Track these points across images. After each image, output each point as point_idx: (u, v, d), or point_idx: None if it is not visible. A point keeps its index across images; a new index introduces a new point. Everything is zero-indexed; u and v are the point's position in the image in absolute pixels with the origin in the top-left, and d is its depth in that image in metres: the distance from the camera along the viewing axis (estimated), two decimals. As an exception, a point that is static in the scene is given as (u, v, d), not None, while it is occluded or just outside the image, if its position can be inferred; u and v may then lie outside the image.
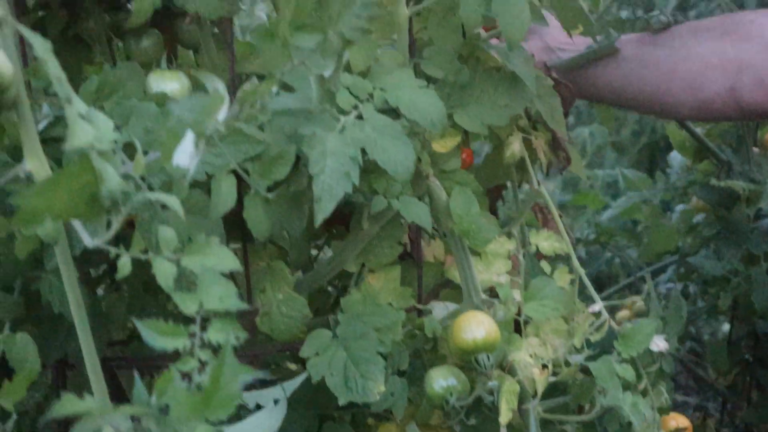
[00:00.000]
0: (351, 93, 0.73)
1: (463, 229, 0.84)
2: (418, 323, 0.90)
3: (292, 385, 0.80)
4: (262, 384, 0.86)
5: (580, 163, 1.12)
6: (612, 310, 1.04)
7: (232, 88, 0.75)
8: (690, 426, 1.14)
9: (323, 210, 0.64)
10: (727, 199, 1.37)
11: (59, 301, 0.73)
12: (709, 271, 1.27)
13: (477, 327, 0.81)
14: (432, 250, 1.00)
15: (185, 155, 0.57)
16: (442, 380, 0.84)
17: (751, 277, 1.23)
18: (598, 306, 0.86)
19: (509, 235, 1.00)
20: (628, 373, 0.85)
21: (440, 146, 0.86)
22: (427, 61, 0.85)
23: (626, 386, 0.86)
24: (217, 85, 0.61)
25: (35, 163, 0.56)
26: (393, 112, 0.73)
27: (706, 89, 0.93)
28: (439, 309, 0.95)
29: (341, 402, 0.78)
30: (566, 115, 1.15)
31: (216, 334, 0.55)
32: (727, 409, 1.66)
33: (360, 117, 0.71)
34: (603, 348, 0.88)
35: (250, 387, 0.84)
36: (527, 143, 1.02)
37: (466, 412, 0.84)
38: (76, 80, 0.65)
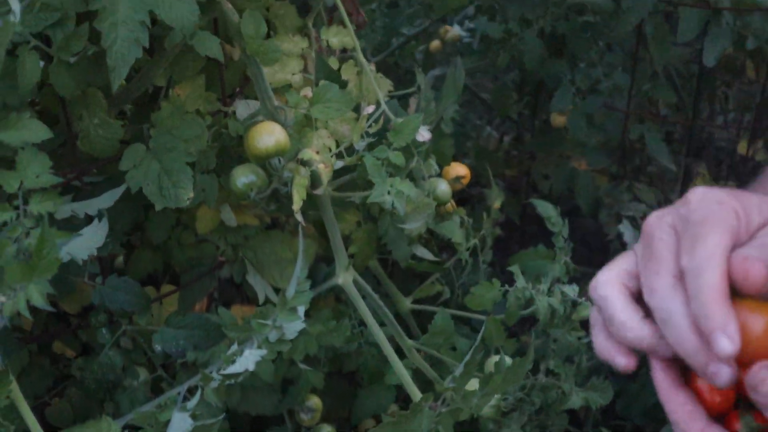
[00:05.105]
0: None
1: (253, 50, 0.96)
2: (224, 123, 1.05)
3: (114, 195, 0.95)
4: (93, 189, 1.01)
5: None
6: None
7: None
8: (468, 172, 1.37)
9: (118, 76, 0.76)
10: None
11: None
12: (490, 33, 1.42)
13: (268, 137, 0.96)
14: (235, 51, 1.11)
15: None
16: (243, 178, 1.00)
17: (524, 39, 1.39)
18: (371, 108, 1.02)
19: (304, 33, 1.13)
20: (398, 159, 1.03)
21: (229, -28, 0.95)
22: None
23: (397, 169, 1.05)
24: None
25: None
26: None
27: None
28: (243, 107, 1.09)
29: (157, 208, 0.94)
30: None
31: (36, 206, 0.69)
32: (520, 135, 1.91)
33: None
34: (380, 136, 1.05)
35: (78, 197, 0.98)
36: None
37: (267, 202, 1.02)
38: None
